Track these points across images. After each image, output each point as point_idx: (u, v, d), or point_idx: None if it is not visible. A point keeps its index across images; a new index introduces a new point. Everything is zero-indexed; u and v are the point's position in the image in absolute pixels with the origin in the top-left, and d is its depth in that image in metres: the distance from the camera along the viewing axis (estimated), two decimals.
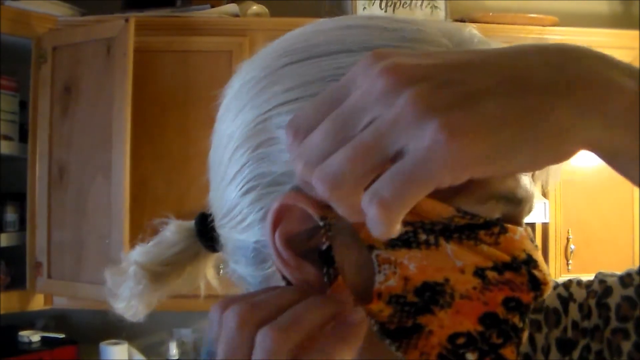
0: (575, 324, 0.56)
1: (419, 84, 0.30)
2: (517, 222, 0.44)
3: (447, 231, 0.40)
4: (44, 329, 2.11)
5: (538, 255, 0.43)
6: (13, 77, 1.97)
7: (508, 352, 0.41)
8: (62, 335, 2.08)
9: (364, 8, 2.11)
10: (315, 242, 0.41)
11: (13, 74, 1.98)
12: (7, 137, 1.94)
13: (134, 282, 0.51)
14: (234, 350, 0.37)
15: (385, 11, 2.12)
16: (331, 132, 0.32)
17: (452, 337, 0.40)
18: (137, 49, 1.80)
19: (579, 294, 0.57)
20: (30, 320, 2.12)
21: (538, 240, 2.09)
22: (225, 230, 0.46)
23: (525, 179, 0.44)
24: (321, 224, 0.40)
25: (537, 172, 0.47)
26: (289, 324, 0.36)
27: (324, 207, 0.40)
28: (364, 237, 0.40)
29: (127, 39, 1.79)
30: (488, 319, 0.41)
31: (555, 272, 2.09)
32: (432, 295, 0.40)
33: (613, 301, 0.56)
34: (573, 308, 0.57)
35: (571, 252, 2.09)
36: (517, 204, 0.44)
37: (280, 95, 0.42)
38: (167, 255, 0.52)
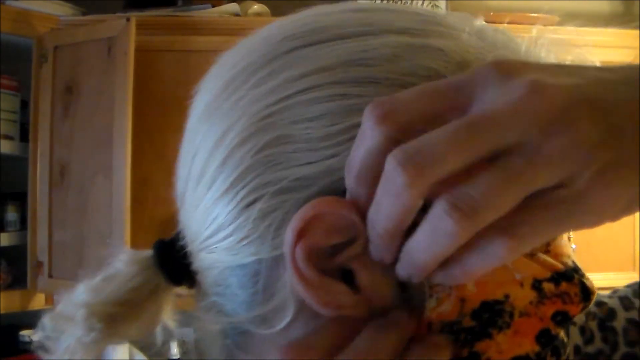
0: (577, 349, 0.53)
1: (582, 117, 0.27)
2: None
3: None
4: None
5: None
6: (14, 76, 1.97)
7: None
8: None
9: None
10: (340, 260, 0.34)
11: (14, 73, 1.98)
12: (7, 137, 1.94)
13: (83, 330, 0.42)
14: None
15: None
16: (461, 143, 0.27)
17: None
18: (138, 48, 1.80)
19: (577, 316, 0.55)
20: (31, 320, 2.12)
21: None
22: (211, 254, 0.38)
23: None
24: (363, 245, 0.34)
25: None
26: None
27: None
28: None
29: (128, 38, 1.79)
30: (543, 337, 0.36)
31: None
32: (491, 316, 0.35)
33: (619, 325, 0.53)
34: (574, 331, 0.53)
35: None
36: None
37: (294, 82, 0.35)
38: (122, 292, 0.42)
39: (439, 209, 0.28)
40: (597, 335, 0.53)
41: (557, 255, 0.37)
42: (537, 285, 0.35)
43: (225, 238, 0.37)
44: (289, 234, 0.33)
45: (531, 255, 0.36)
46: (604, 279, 2.13)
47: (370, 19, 0.37)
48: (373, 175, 0.30)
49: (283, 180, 0.35)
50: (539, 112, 0.27)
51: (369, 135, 0.30)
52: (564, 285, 0.36)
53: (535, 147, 0.27)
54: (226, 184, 0.36)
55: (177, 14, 2.00)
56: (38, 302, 1.95)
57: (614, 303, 0.54)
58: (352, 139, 0.32)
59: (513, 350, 0.35)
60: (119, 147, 1.78)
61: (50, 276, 1.89)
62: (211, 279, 0.39)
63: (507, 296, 0.35)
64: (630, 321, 0.53)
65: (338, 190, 0.33)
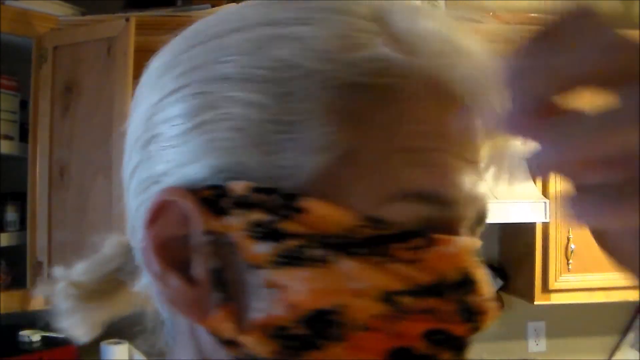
0: None
1: None
2: (454, 230, 0.35)
3: (349, 245, 0.32)
4: (45, 328, 2.11)
5: (479, 275, 0.35)
6: (13, 76, 1.97)
7: None
8: (62, 335, 2.07)
9: None
10: (191, 253, 0.34)
11: (13, 73, 1.98)
12: (7, 137, 1.94)
13: (61, 299, 0.47)
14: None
15: None
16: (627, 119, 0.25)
17: None
18: (137, 48, 1.80)
19: None
20: (30, 320, 2.12)
21: (538, 240, 2.09)
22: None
23: (463, 174, 0.35)
24: (204, 238, 0.34)
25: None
26: None
27: (212, 214, 0.33)
28: (248, 256, 0.33)
29: (128, 38, 1.79)
30: (403, 356, 0.32)
31: (556, 272, 2.09)
32: (321, 326, 0.32)
33: None
34: None
35: (571, 252, 2.09)
36: (447, 206, 0.34)
37: (171, 82, 0.36)
38: (103, 272, 0.46)
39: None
40: None
41: (434, 267, 0.33)
42: (389, 297, 0.32)
43: (130, 230, 0.41)
44: (142, 222, 0.35)
45: (382, 265, 0.32)
46: (604, 279, 2.13)
47: (251, 13, 0.37)
48: None
49: (153, 175, 0.37)
50: None
51: None
52: (429, 301, 0.33)
53: None
54: (127, 179, 0.41)
55: (177, 14, 2.00)
56: (38, 302, 1.95)
57: None
58: (203, 134, 0.34)
59: None
60: (119, 147, 1.77)
61: (50, 276, 1.89)
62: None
63: (341, 306, 0.32)
64: None
65: (190, 184, 0.34)
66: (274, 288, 0.33)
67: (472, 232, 0.37)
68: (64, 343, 2.06)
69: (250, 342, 0.33)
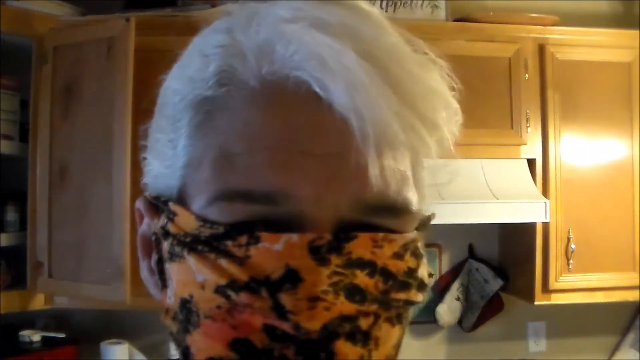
0: None
1: None
2: (288, 227, 0.35)
3: (195, 242, 0.36)
4: (45, 328, 2.11)
5: (306, 273, 0.34)
6: (14, 76, 1.97)
7: None
8: (62, 335, 2.08)
9: None
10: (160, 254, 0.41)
11: (14, 73, 1.98)
12: (7, 137, 1.94)
13: None
14: None
15: (386, 11, 2.12)
16: None
17: None
18: (138, 48, 1.80)
19: None
20: (30, 320, 2.12)
21: (538, 240, 2.09)
22: None
23: (304, 169, 0.35)
24: (152, 236, 0.42)
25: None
26: None
27: (155, 218, 0.42)
28: (163, 251, 0.40)
29: (128, 38, 1.79)
30: (242, 346, 0.35)
31: (556, 272, 2.09)
32: (185, 313, 0.37)
33: None
34: None
35: (571, 252, 2.09)
36: (269, 202, 0.35)
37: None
38: None
39: None
40: None
41: (259, 263, 0.35)
42: (221, 290, 0.35)
43: None
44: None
45: (215, 261, 0.35)
46: (604, 279, 2.13)
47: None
48: None
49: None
50: None
51: None
52: (243, 296, 0.34)
53: None
54: None
55: (177, 14, 2.00)
56: (37, 302, 1.95)
57: None
58: (150, 152, 0.44)
59: (207, 351, 0.36)
60: (119, 147, 1.78)
61: (50, 276, 1.89)
62: None
63: (191, 296, 0.37)
64: None
65: (150, 193, 0.43)
66: (169, 279, 0.40)
67: (377, 216, 0.37)
68: (64, 343, 2.06)
69: (167, 324, 0.40)
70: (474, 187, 1.99)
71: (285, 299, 0.34)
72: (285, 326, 0.34)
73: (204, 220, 0.36)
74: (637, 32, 2.15)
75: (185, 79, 0.40)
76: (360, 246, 0.36)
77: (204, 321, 0.36)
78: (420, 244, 0.40)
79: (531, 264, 2.11)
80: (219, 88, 0.37)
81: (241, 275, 0.35)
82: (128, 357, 2.13)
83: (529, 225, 2.11)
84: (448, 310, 2.37)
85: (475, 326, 2.37)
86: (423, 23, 2.09)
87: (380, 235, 0.37)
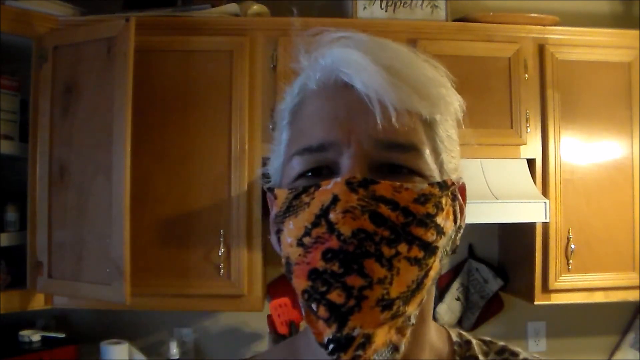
0: None
1: None
2: (336, 167, 0.53)
3: (287, 211, 0.54)
4: (45, 328, 2.11)
5: (342, 195, 0.50)
6: (14, 76, 1.98)
7: (334, 296, 0.48)
8: (62, 335, 2.08)
9: (364, 8, 2.11)
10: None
11: (14, 73, 1.98)
12: (7, 137, 1.94)
13: None
14: None
15: (386, 11, 2.12)
16: None
17: (301, 295, 0.51)
18: (137, 48, 1.80)
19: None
20: (30, 320, 2.12)
21: (538, 240, 2.09)
22: None
23: (332, 129, 0.54)
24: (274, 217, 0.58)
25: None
26: None
27: (274, 201, 0.57)
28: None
29: (127, 38, 1.78)
30: (313, 274, 0.50)
31: (556, 272, 2.09)
32: (287, 265, 0.54)
33: None
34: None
35: (571, 252, 2.09)
36: (322, 150, 0.53)
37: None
38: None
39: None
40: None
41: (318, 202, 0.51)
42: (300, 242, 0.51)
43: None
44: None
45: (296, 218, 0.52)
46: (604, 279, 2.13)
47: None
48: None
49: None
50: None
51: None
52: (314, 232, 0.50)
53: None
54: None
55: (177, 14, 2.00)
56: (37, 302, 1.95)
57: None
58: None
59: (299, 288, 0.52)
60: (119, 147, 1.78)
61: (49, 276, 1.89)
62: None
63: (288, 254, 0.53)
64: None
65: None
66: (282, 245, 0.56)
67: (390, 151, 0.53)
68: (63, 343, 2.06)
69: (287, 276, 0.55)
70: (474, 187, 1.99)
71: (332, 215, 0.49)
72: (334, 242, 0.49)
73: (290, 189, 0.54)
74: (637, 32, 2.15)
75: (284, 100, 0.61)
76: (382, 189, 0.50)
77: (295, 267, 0.52)
78: (444, 200, 0.54)
79: (531, 264, 2.11)
80: (298, 96, 0.59)
81: (309, 217, 0.51)
82: (128, 357, 2.13)
83: (528, 225, 2.11)
84: (448, 310, 2.37)
85: (475, 326, 2.37)
86: (423, 23, 2.08)
87: (398, 184, 0.51)
